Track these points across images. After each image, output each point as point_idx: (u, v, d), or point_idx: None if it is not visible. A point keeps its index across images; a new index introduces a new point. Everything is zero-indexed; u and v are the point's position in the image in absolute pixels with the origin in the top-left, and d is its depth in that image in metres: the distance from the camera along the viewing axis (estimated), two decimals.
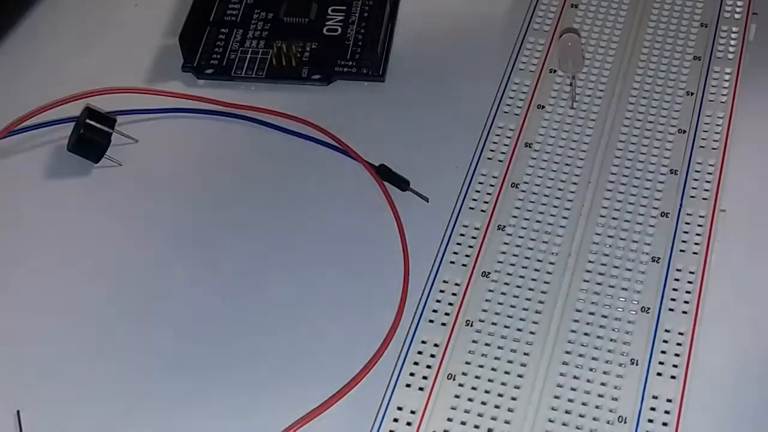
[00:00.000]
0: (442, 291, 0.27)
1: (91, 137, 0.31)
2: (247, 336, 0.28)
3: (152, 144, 0.33)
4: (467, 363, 0.26)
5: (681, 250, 0.27)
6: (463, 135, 0.32)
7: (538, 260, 0.27)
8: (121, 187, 0.32)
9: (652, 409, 0.25)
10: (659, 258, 0.27)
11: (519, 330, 0.26)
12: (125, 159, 0.32)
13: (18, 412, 0.26)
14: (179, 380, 0.27)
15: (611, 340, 0.26)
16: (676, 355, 0.25)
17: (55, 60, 0.36)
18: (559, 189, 0.29)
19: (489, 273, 0.27)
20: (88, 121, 0.31)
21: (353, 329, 0.28)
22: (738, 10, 0.33)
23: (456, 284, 0.27)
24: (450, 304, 0.27)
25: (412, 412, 0.25)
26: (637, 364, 0.25)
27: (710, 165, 0.29)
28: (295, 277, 0.29)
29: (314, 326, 0.28)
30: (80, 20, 0.37)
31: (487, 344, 0.26)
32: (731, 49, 0.32)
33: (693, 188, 0.29)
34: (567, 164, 0.29)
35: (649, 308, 0.26)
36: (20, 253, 0.30)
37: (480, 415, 0.25)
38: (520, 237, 0.28)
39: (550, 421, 0.24)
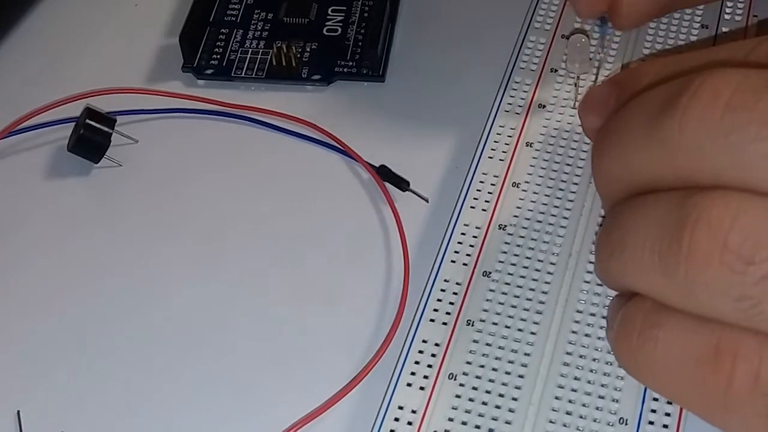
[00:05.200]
0: (442, 290, 0.27)
1: (91, 137, 0.31)
2: (246, 336, 0.28)
3: (152, 144, 0.33)
4: (468, 363, 0.26)
5: None
6: (463, 135, 0.32)
7: (539, 260, 0.27)
8: (121, 187, 0.32)
9: (653, 411, 0.24)
10: None
11: (520, 330, 0.26)
12: (125, 159, 0.32)
13: (18, 412, 0.26)
14: (179, 380, 0.27)
15: None
16: None
17: (55, 60, 0.36)
18: (560, 189, 0.29)
19: (490, 272, 0.27)
20: (88, 121, 0.31)
21: (353, 329, 0.28)
22: (738, 12, 0.33)
23: (457, 284, 0.27)
24: (451, 303, 0.27)
25: (413, 412, 0.25)
26: None
27: None
28: (295, 276, 0.29)
29: (314, 326, 0.28)
30: (80, 20, 0.37)
31: (488, 344, 0.26)
32: None
33: None
34: (568, 164, 0.29)
35: None
36: (20, 253, 0.30)
37: (481, 415, 0.25)
38: (521, 237, 0.28)
39: (551, 422, 0.24)
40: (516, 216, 0.28)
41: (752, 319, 0.19)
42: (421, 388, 0.25)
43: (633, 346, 0.20)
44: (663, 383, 0.20)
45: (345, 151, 0.32)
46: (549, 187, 0.29)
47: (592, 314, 0.26)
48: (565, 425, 0.24)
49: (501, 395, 0.25)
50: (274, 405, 0.26)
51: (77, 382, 0.27)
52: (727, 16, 0.33)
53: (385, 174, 0.31)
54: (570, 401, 0.25)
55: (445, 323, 0.26)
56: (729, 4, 0.34)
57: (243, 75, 0.34)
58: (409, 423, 0.25)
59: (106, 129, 0.32)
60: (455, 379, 0.25)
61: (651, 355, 0.20)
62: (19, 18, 0.37)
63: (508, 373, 0.25)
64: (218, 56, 0.35)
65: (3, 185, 0.32)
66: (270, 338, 0.28)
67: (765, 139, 0.18)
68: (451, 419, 0.25)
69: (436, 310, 0.27)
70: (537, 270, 0.27)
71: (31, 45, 0.36)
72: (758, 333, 0.19)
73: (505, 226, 0.28)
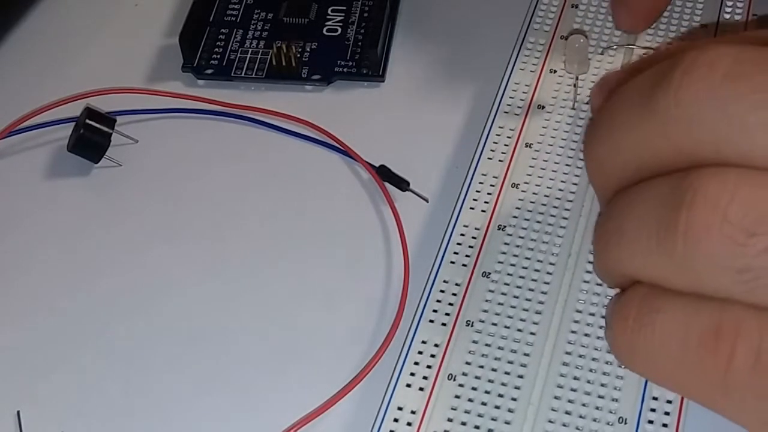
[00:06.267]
0: (442, 291, 0.27)
1: (91, 137, 0.31)
2: (246, 336, 0.28)
3: (152, 144, 0.33)
4: (467, 363, 0.26)
5: None
6: (463, 135, 0.32)
7: (539, 260, 0.27)
8: (121, 187, 0.32)
9: (653, 410, 0.25)
10: None
11: (519, 330, 0.26)
12: (125, 159, 0.32)
13: (18, 412, 0.26)
14: (179, 380, 0.27)
15: None
16: None
17: (55, 60, 0.36)
18: (560, 189, 0.29)
19: (489, 273, 0.27)
20: (87, 121, 0.31)
21: (353, 329, 0.28)
22: (738, 11, 0.33)
23: (456, 284, 0.27)
24: (450, 304, 0.27)
25: (413, 412, 0.25)
26: None
27: None
28: (295, 277, 0.29)
29: (313, 326, 0.28)
30: (80, 20, 0.37)
31: (487, 344, 0.26)
32: None
33: None
34: (567, 165, 0.29)
35: None
36: (20, 253, 0.30)
37: (480, 415, 0.25)
38: (521, 237, 0.28)
39: (550, 421, 0.24)
40: (515, 216, 0.28)
41: (754, 292, 0.18)
42: (421, 389, 0.25)
43: (629, 333, 0.20)
44: (660, 370, 0.20)
45: (345, 151, 0.32)
46: (548, 188, 0.29)
47: (592, 314, 0.26)
48: (564, 425, 0.24)
49: (500, 395, 0.25)
50: (274, 405, 0.26)
51: (77, 382, 0.27)
52: (726, 15, 0.33)
53: (385, 174, 0.31)
54: (569, 401, 0.25)
55: (444, 324, 0.26)
56: (729, 3, 0.34)
57: (243, 75, 0.34)
58: (409, 423, 0.25)
59: (106, 129, 0.32)
60: (455, 380, 0.25)
61: (648, 341, 0.19)
62: (19, 18, 0.37)
63: (507, 373, 0.25)
64: (218, 56, 0.35)
65: (3, 185, 0.32)
66: (270, 338, 0.28)
67: (766, 107, 0.18)
68: (450, 420, 0.25)
69: (435, 310, 0.27)
70: (536, 270, 0.27)
71: (31, 45, 0.36)
72: (759, 310, 0.18)
73: (505, 226, 0.28)
